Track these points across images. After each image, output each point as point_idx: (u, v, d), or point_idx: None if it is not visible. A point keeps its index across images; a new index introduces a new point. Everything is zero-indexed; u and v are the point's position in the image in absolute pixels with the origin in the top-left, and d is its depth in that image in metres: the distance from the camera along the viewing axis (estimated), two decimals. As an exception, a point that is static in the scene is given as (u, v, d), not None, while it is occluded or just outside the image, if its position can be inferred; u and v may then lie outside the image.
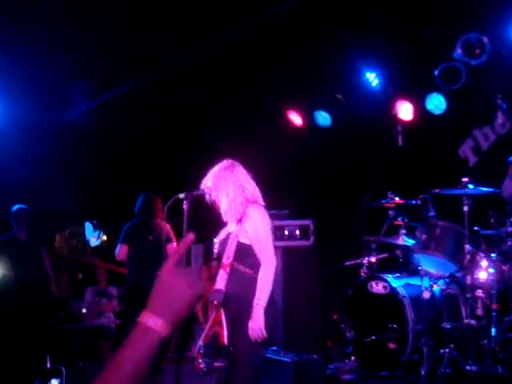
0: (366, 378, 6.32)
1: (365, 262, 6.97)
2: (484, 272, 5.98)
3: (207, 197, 4.75)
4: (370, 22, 7.45)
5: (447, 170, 7.32)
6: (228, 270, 4.58)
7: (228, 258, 4.59)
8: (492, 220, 6.09)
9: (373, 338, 6.40)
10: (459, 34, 7.10)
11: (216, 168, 4.77)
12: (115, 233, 12.45)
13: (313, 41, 7.84)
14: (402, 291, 6.33)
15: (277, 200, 8.04)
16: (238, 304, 4.53)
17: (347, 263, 7.18)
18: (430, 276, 6.26)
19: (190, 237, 1.80)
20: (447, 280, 6.26)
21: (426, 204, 6.32)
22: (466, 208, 6.03)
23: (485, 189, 6.16)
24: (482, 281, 5.99)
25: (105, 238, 13.22)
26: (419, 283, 6.25)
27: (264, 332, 4.40)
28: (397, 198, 6.84)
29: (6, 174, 10.03)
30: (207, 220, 5.34)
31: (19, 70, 8.45)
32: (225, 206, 4.68)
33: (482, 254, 5.99)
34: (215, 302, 4.54)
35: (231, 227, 4.71)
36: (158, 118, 10.02)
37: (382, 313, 6.46)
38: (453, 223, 6.15)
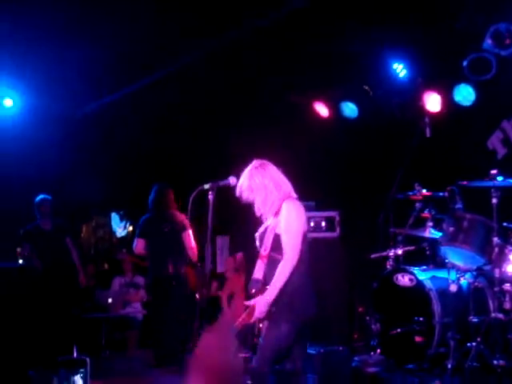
0: (391, 370, 6.27)
1: (391, 254, 6.91)
2: (512, 265, 5.91)
3: (240, 194, 4.79)
4: (399, 12, 7.38)
5: (475, 162, 7.24)
6: (265, 260, 4.64)
7: (265, 249, 4.65)
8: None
9: (399, 330, 6.35)
10: (489, 24, 6.99)
11: (248, 169, 4.82)
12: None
13: (340, 31, 7.78)
14: (428, 284, 6.27)
15: (303, 191, 8.01)
16: None
17: (373, 256, 7.13)
18: (457, 269, 6.19)
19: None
20: (475, 273, 6.18)
21: (453, 196, 6.25)
22: (494, 200, 5.94)
23: (514, 181, 6.06)
24: (510, 274, 5.89)
25: (131, 228, 13.29)
26: (446, 276, 6.19)
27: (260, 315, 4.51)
28: (424, 190, 6.76)
29: (32, 165, 10.12)
30: (232, 211, 5.34)
31: (48, 61, 8.49)
32: (261, 204, 4.75)
33: (510, 248, 5.91)
34: (253, 291, 4.61)
35: (269, 221, 4.77)
36: (184, 110, 10.01)
37: (408, 306, 6.40)
38: (481, 216, 6.07)
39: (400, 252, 6.90)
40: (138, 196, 11.55)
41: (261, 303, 4.52)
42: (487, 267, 6.08)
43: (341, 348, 6.29)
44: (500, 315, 5.83)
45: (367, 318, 6.92)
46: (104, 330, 9.41)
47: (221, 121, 9.81)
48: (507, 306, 5.82)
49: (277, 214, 4.68)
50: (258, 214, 4.84)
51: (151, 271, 8.21)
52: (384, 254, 7.01)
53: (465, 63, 7.36)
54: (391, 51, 8.10)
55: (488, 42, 7.05)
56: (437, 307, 6.13)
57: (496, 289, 5.89)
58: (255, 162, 4.85)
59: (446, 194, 6.39)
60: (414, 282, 6.36)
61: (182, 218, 7.96)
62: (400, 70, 8.10)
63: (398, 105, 8.33)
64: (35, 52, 8.33)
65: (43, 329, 8.24)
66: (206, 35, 8.13)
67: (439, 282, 6.32)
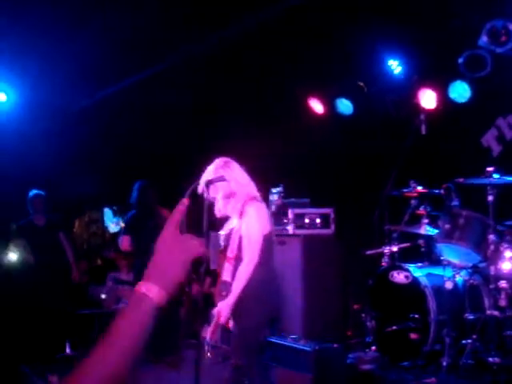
0: (386, 368, 6.27)
1: (386, 251, 6.91)
2: (508, 263, 5.90)
3: (204, 192, 4.84)
4: (394, 9, 7.36)
5: (471, 160, 7.24)
6: (233, 262, 4.77)
7: (232, 251, 4.78)
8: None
9: (394, 328, 6.36)
10: (485, 20, 6.98)
11: (211, 167, 4.92)
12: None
13: (335, 27, 7.76)
14: (424, 281, 6.28)
15: (298, 188, 8.03)
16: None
17: (368, 252, 7.13)
18: (452, 266, 6.21)
19: (184, 202, 1.74)
20: (470, 270, 6.20)
21: (449, 193, 6.26)
22: (490, 198, 5.95)
23: (510, 178, 6.06)
24: (505, 272, 5.91)
25: (123, 224, 13.23)
26: (442, 273, 6.20)
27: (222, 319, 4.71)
28: (419, 187, 6.77)
29: (25, 159, 10.06)
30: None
31: (43, 54, 8.43)
32: (223, 205, 4.89)
33: (506, 245, 5.91)
34: (224, 293, 4.76)
35: (233, 222, 4.89)
36: (181, 107, 9.97)
37: (403, 303, 6.41)
38: (477, 213, 6.08)
39: (395, 249, 6.90)
40: (131, 192, 11.53)
41: (224, 308, 4.70)
42: (483, 264, 6.09)
43: (335, 345, 6.28)
44: (495, 312, 5.84)
45: (362, 315, 6.92)
46: (97, 326, 9.36)
47: (217, 118, 9.77)
48: (502, 303, 5.82)
49: (241, 215, 4.81)
50: (218, 214, 4.95)
51: (137, 266, 8.36)
52: (379, 250, 7.01)
53: (460, 60, 7.34)
54: (386, 48, 8.08)
55: (484, 38, 7.03)
56: (432, 304, 6.14)
57: (491, 286, 5.90)
58: (219, 161, 4.95)
59: (442, 191, 6.39)
60: (410, 279, 6.37)
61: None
62: (395, 66, 8.09)
63: (393, 102, 8.32)
64: (29, 45, 8.27)
65: (36, 324, 8.22)
66: (203, 32, 8.11)
67: (435, 279, 6.33)
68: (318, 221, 7.63)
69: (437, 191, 6.55)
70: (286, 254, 7.47)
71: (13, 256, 8.99)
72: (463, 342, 5.96)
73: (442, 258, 6.27)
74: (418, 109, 7.77)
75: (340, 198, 8.26)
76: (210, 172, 4.88)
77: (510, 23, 6.83)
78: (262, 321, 4.78)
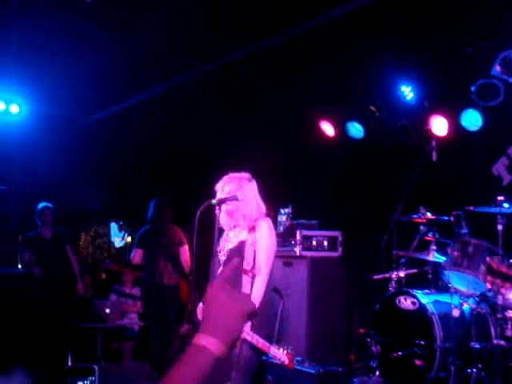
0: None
1: (393, 276, 6.89)
2: (515, 293, 5.90)
3: (221, 197, 4.96)
4: (408, 35, 7.41)
5: (482, 188, 7.24)
6: (251, 275, 4.79)
7: (248, 264, 4.80)
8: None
9: (400, 353, 6.33)
10: (498, 50, 7.02)
11: (236, 175, 5.06)
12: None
13: (349, 52, 7.81)
14: (430, 308, 6.26)
15: (307, 210, 8.03)
16: None
17: (375, 277, 7.11)
18: (460, 294, 6.19)
19: (235, 261, 1.86)
20: (477, 299, 6.18)
21: (459, 221, 6.25)
22: (500, 227, 5.95)
23: (521, 208, 6.06)
24: (513, 301, 5.91)
25: (129, 239, 13.27)
26: (449, 301, 6.18)
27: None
28: (428, 214, 6.77)
29: (34, 172, 10.11)
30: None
31: (55, 68, 8.50)
32: (240, 216, 4.95)
33: (514, 274, 5.90)
34: None
35: (241, 235, 4.94)
36: (187, 122, 10.01)
37: (409, 329, 6.39)
38: (486, 241, 6.07)
39: (402, 274, 6.88)
40: (137, 207, 11.56)
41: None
42: (490, 293, 6.07)
43: (340, 369, 6.25)
44: (502, 342, 5.81)
45: (368, 339, 6.89)
46: (100, 340, 9.35)
47: (224, 135, 9.81)
48: (509, 333, 5.80)
49: (252, 229, 4.88)
50: (225, 224, 5.02)
51: (145, 280, 8.43)
52: (386, 275, 6.99)
53: (473, 88, 7.37)
54: (399, 73, 8.11)
55: (497, 68, 7.07)
56: (438, 331, 6.12)
57: (499, 315, 5.87)
58: (246, 174, 5.09)
59: (452, 218, 6.38)
60: (417, 306, 6.35)
61: (180, 232, 8.19)
62: (408, 92, 8.11)
63: (404, 127, 8.33)
64: (43, 59, 8.34)
65: (39, 336, 8.21)
66: (215, 49, 8.17)
67: (442, 306, 6.30)
68: (325, 243, 7.63)
69: (446, 218, 6.55)
70: (292, 276, 7.47)
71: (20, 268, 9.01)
72: (468, 370, 5.94)
73: (449, 285, 6.24)
74: (429, 135, 7.79)
75: (348, 222, 8.25)
76: (233, 180, 5.00)
77: (523, 54, 6.87)
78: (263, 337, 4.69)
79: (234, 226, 5.03)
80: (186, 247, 8.25)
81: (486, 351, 5.88)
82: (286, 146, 8.73)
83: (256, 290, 4.74)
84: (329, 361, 6.68)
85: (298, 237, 7.53)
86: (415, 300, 6.37)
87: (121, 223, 13.30)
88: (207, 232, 5.10)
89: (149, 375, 8.17)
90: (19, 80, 9.06)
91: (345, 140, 8.89)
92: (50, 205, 8.99)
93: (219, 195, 4.99)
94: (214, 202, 4.96)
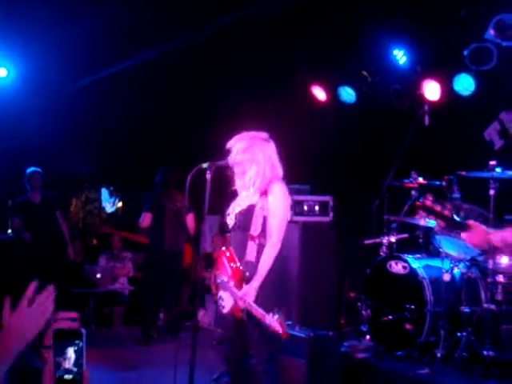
0: (381, 357, 6.28)
1: (384, 241, 6.89)
2: (506, 257, 5.91)
3: (233, 155, 4.66)
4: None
5: (474, 153, 7.21)
6: (257, 241, 4.55)
7: (256, 229, 4.55)
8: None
9: (390, 317, 6.36)
10: (492, 14, 6.94)
11: (251, 134, 4.70)
12: (131, 200, 12.50)
13: (341, 15, 7.72)
14: (421, 272, 6.27)
15: (298, 175, 7.99)
16: None
17: (366, 242, 7.11)
18: (450, 258, 6.19)
19: (33, 286, 1.97)
20: (468, 263, 6.18)
21: (450, 185, 6.22)
22: (492, 192, 5.93)
23: (512, 173, 6.05)
24: (503, 266, 5.92)
25: (120, 204, 13.23)
26: (439, 265, 6.18)
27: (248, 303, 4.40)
28: (420, 178, 6.74)
29: (24, 138, 10.02)
30: (223, 191, 5.29)
31: (44, 31, 8.38)
32: (252, 177, 4.63)
33: (505, 239, 5.89)
34: (247, 274, 4.51)
35: (253, 199, 4.65)
36: (178, 86, 9.92)
37: (400, 293, 6.41)
38: (478, 206, 6.06)
39: (393, 239, 6.89)
40: (129, 173, 11.52)
41: (249, 291, 4.44)
42: (481, 258, 6.08)
43: (330, 333, 6.27)
44: (492, 306, 5.82)
45: (358, 303, 6.92)
46: (91, 305, 9.38)
47: (218, 99, 9.73)
48: (499, 297, 5.82)
49: (263, 193, 4.58)
50: (239, 186, 4.73)
51: (151, 245, 8.51)
52: (377, 240, 7.00)
53: (466, 52, 7.31)
54: (392, 37, 8.03)
55: (490, 32, 7.00)
56: (429, 296, 6.14)
57: (489, 280, 5.88)
58: (262, 133, 4.73)
59: (444, 183, 6.35)
60: (408, 270, 6.36)
61: (180, 197, 8.22)
62: (400, 56, 8.04)
63: (396, 91, 8.28)
64: (31, 23, 8.21)
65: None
66: (208, 13, 8.06)
67: (432, 270, 6.32)
68: (316, 208, 7.60)
69: (438, 183, 6.52)
70: (283, 240, 7.45)
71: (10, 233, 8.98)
72: (458, 334, 5.97)
73: (440, 249, 6.25)
74: (421, 100, 7.74)
75: (340, 186, 8.23)
76: (248, 138, 4.67)
77: (517, 17, 6.80)
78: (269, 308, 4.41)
79: (245, 189, 4.71)
80: (193, 214, 8.37)
81: (475, 315, 5.90)
82: (277, 111, 8.64)
83: (264, 258, 4.47)
84: (319, 325, 6.70)
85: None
86: (406, 264, 6.39)
87: (111, 189, 13.25)
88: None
89: (139, 339, 8.24)
90: (7, 44, 8.92)
91: (336, 105, 8.84)
92: (39, 169, 8.94)
93: (233, 155, 4.66)
94: (204, 166, 4.78)
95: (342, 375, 5.74)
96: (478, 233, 3.68)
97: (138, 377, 6.87)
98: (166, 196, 8.36)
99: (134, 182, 11.76)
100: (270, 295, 4.55)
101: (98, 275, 9.55)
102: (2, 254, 8.64)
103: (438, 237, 6.28)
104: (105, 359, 7.27)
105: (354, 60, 8.53)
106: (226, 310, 4.66)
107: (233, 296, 4.54)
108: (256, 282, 4.43)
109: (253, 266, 4.50)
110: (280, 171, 4.72)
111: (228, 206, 4.84)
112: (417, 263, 6.38)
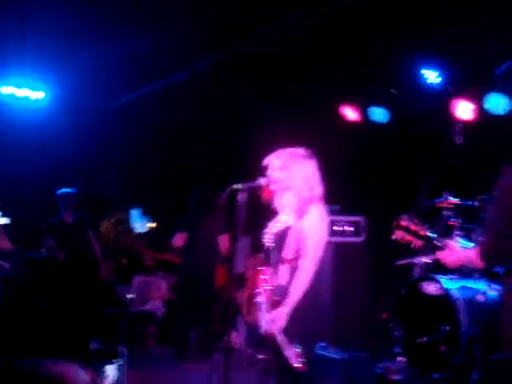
0: (415, 378, 6.21)
1: (417, 261, 6.85)
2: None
3: (270, 172, 4.45)
4: (432, 18, 7.31)
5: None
6: (290, 265, 4.39)
7: (289, 252, 4.40)
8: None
9: (424, 339, 6.29)
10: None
11: (288, 151, 4.49)
12: (161, 221, 12.56)
13: (373, 35, 7.73)
14: (455, 293, 6.20)
15: (329, 194, 7.97)
16: None
17: (399, 262, 7.07)
18: (485, 279, 6.13)
19: None
20: (503, 284, 6.10)
21: (484, 206, 6.17)
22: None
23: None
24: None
25: (151, 225, 13.29)
26: (474, 286, 6.13)
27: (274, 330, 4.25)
28: (451, 198, 6.68)
29: (56, 158, 10.14)
30: (255, 211, 5.27)
31: (79, 53, 8.50)
32: (289, 195, 4.45)
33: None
34: (278, 298, 4.35)
35: (289, 219, 4.48)
36: (211, 107, 9.99)
37: (433, 314, 6.34)
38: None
39: (426, 260, 6.83)
40: (159, 194, 11.59)
41: (280, 316, 4.26)
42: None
43: (365, 354, 6.24)
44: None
45: (391, 324, 6.86)
46: (123, 326, 9.38)
47: (247, 122, 9.78)
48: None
49: (301, 215, 4.40)
50: (277, 204, 4.51)
51: (184, 266, 8.59)
52: (410, 261, 6.95)
53: (498, 71, 7.26)
54: (423, 57, 8.03)
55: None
56: (463, 317, 6.07)
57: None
58: (304, 150, 4.49)
59: (477, 203, 6.31)
60: (441, 291, 6.30)
61: (222, 220, 8.29)
62: (431, 76, 8.03)
63: (427, 111, 8.26)
64: (68, 46, 8.34)
65: (62, 320, 8.26)
66: (236, 36, 8.14)
67: (467, 291, 6.25)
68: (348, 228, 7.58)
69: (470, 203, 6.47)
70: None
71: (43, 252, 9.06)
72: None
73: (474, 271, 6.19)
74: (454, 119, 7.70)
75: (372, 207, 8.20)
76: (288, 155, 4.44)
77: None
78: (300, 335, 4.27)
79: (283, 208, 4.48)
80: (227, 234, 8.40)
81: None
82: (309, 131, 8.65)
83: (297, 284, 4.26)
84: (351, 346, 6.68)
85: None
86: (439, 285, 6.32)
87: (142, 209, 13.32)
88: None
89: (172, 359, 8.23)
90: (43, 65, 9.06)
91: (367, 125, 8.82)
92: (72, 190, 9.03)
93: (270, 172, 4.44)
94: (236, 187, 4.61)
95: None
96: (453, 252, 3.66)
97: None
98: (200, 217, 8.40)
99: (165, 202, 11.84)
100: (302, 317, 4.46)
101: (131, 296, 9.58)
102: (35, 272, 8.72)
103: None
104: (137, 379, 7.27)
105: (385, 80, 8.52)
106: (262, 330, 4.59)
107: (264, 318, 4.47)
108: (287, 307, 4.26)
109: (284, 290, 4.34)
110: (318, 191, 4.50)
111: (264, 225, 4.71)
112: (451, 284, 6.32)
